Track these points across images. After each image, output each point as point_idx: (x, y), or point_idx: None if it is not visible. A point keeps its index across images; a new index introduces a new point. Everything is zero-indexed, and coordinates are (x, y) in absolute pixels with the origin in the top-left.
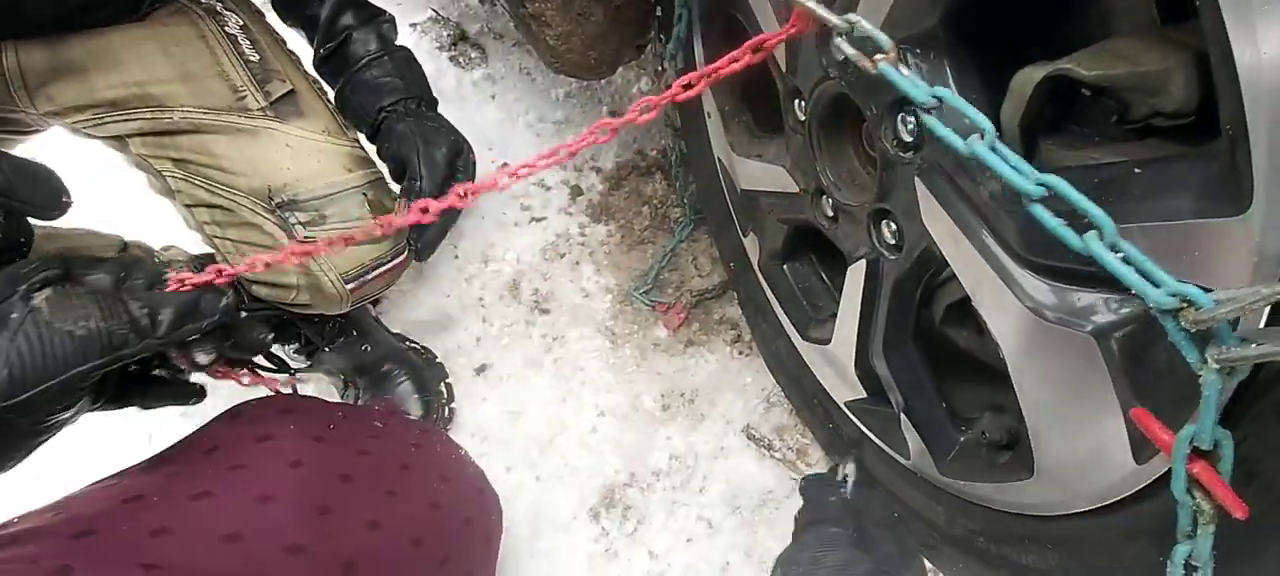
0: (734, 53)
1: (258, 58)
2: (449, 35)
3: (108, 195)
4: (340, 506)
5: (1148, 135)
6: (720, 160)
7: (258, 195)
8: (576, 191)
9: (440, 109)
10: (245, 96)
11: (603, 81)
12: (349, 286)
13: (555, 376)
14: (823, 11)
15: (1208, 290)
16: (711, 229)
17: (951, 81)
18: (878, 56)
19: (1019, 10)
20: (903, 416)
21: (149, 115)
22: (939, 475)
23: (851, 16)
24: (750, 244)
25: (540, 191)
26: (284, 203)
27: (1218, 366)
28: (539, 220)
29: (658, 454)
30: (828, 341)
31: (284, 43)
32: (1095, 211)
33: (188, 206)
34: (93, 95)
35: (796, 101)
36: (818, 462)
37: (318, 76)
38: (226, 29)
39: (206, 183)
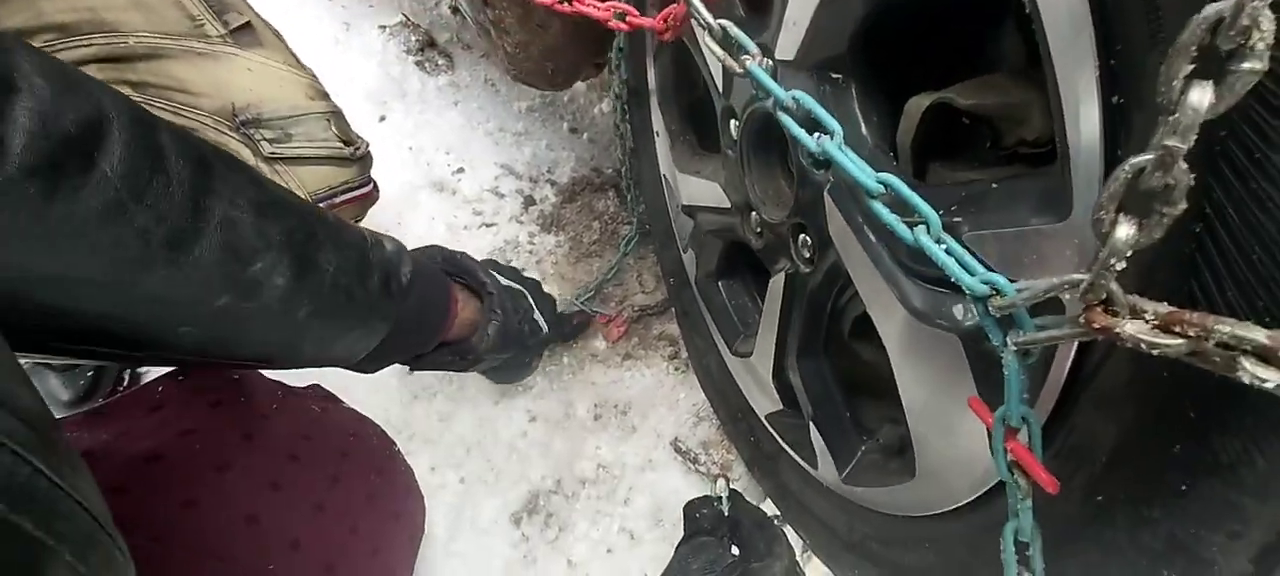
0: (598, 8)
1: None
2: (417, 41)
3: None
4: (288, 484)
5: (1016, 160)
6: (665, 177)
7: (221, 114)
8: (529, 201)
9: (402, 111)
10: (203, 24)
11: (565, 97)
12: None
13: (492, 382)
14: (700, 8)
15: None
16: (655, 245)
17: (856, 102)
18: (744, 58)
19: (916, 43)
20: (812, 427)
21: (103, 40)
22: (841, 483)
23: (723, 21)
24: (689, 260)
25: (493, 198)
26: (248, 121)
27: (1015, 349)
28: (489, 226)
29: (585, 462)
30: (751, 354)
31: None
32: (923, 207)
33: None
34: (41, 18)
35: (731, 121)
36: (740, 478)
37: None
38: None
39: (169, 104)
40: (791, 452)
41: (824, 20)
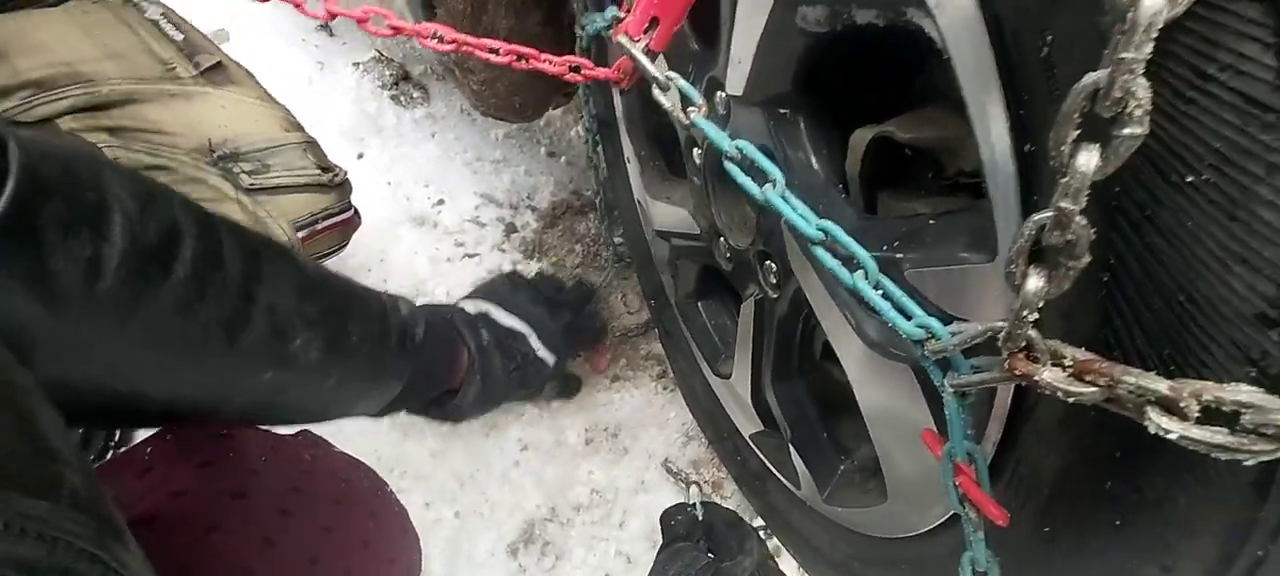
0: (553, 63)
1: (182, 36)
2: (392, 75)
3: None
4: (282, 539)
5: (958, 190)
6: (639, 202)
7: (199, 152)
8: (511, 228)
9: (379, 146)
10: (175, 67)
11: (541, 121)
12: (300, 233)
13: (484, 416)
14: (646, 64)
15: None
16: (635, 268)
17: (805, 135)
18: (690, 109)
19: (860, 77)
20: (791, 448)
21: (79, 91)
22: (822, 503)
23: (671, 73)
24: (668, 282)
25: (474, 228)
26: (226, 155)
27: (952, 390)
28: (472, 256)
29: (579, 488)
30: (731, 375)
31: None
32: (860, 254)
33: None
34: (17, 77)
35: (693, 149)
36: (732, 495)
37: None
38: (146, 14)
39: (145, 147)
40: (776, 472)
41: (766, 58)
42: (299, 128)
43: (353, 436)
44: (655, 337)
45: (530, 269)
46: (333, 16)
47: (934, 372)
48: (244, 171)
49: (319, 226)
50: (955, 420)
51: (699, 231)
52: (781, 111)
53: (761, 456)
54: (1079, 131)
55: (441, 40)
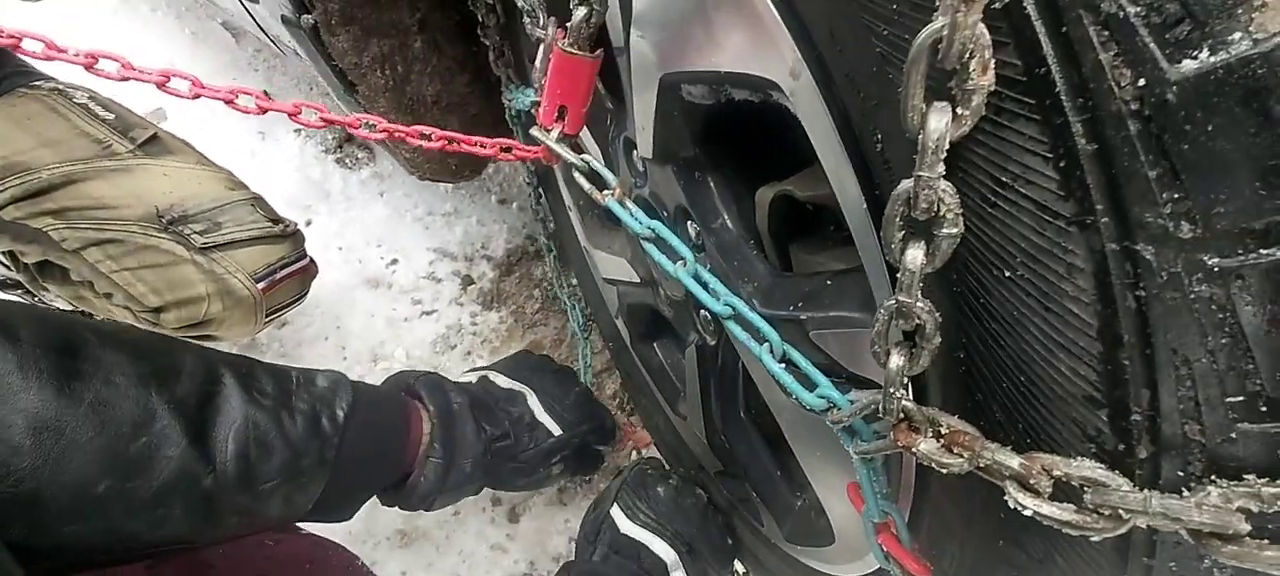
0: (485, 146)
1: (113, 116)
2: (334, 138)
3: None
4: None
5: None
6: (585, 249)
7: (147, 220)
8: (468, 281)
9: (327, 211)
10: (110, 145)
11: (491, 169)
12: (259, 285)
13: None
14: (563, 152)
15: (864, 386)
16: (591, 312)
17: (715, 194)
18: (604, 193)
19: (759, 139)
20: (748, 486)
21: (16, 182)
22: (784, 540)
23: (587, 156)
24: (621, 326)
25: (430, 284)
26: (175, 219)
27: (858, 456)
28: (430, 313)
29: (557, 538)
30: (687, 416)
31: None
32: (766, 330)
33: (75, 251)
34: None
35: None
36: None
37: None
38: (75, 100)
39: (91, 223)
40: (741, 509)
41: (665, 126)
42: (243, 186)
43: None
44: (618, 378)
45: (490, 320)
46: (264, 111)
47: (844, 439)
48: (195, 232)
49: (278, 276)
50: (867, 483)
51: (639, 279)
52: (692, 172)
53: (725, 494)
54: (904, 231)
55: (373, 129)
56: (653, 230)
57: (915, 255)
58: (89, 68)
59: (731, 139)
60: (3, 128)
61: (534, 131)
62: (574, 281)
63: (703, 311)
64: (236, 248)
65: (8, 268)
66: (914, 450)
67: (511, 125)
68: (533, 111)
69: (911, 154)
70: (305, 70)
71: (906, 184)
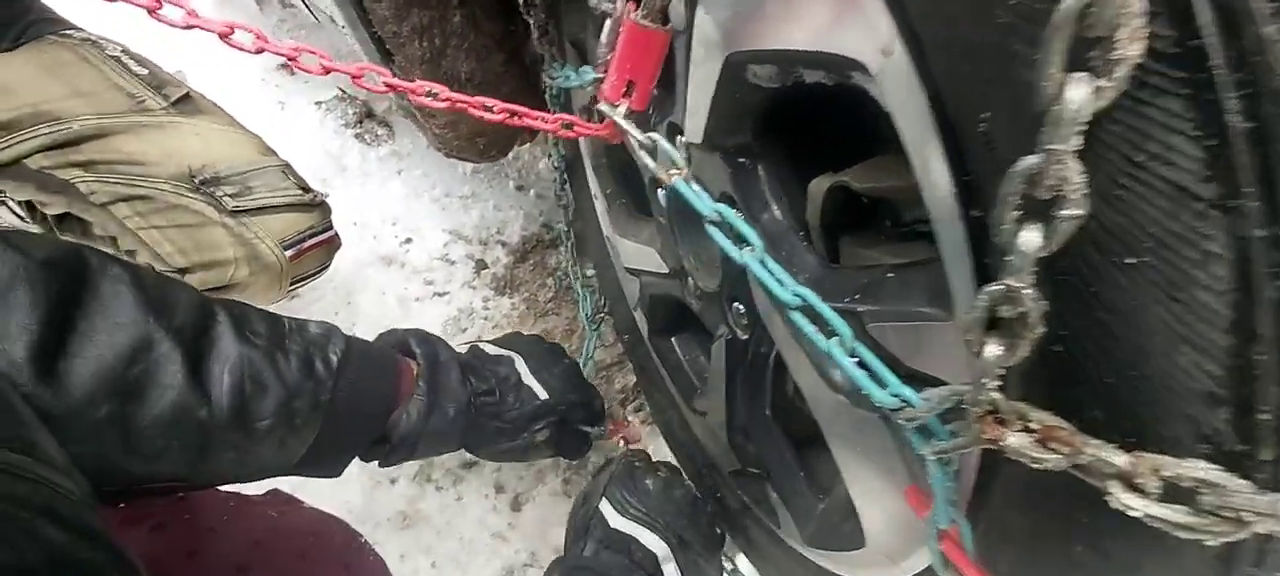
0: (546, 121)
1: (146, 71)
2: (355, 113)
3: None
4: None
5: (915, 237)
6: (608, 239)
7: (179, 178)
8: (481, 265)
9: (344, 186)
10: (144, 100)
11: (510, 155)
12: (288, 252)
13: (455, 457)
14: (629, 128)
15: (939, 383)
16: (608, 303)
17: (765, 183)
18: (672, 172)
19: (816, 127)
20: (769, 486)
21: (47, 130)
22: (804, 543)
23: (654, 135)
24: (640, 319)
25: (444, 266)
26: (207, 180)
27: (933, 457)
28: (442, 294)
29: (558, 530)
30: (707, 412)
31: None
32: (836, 321)
33: (103, 205)
34: None
35: (658, 189)
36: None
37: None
38: (108, 52)
39: (121, 178)
40: (757, 510)
41: (721, 110)
42: (274, 152)
43: (323, 491)
44: (629, 371)
45: (502, 306)
46: (328, 71)
47: (915, 440)
48: (227, 194)
49: (306, 244)
50: (939, 487)
51: (667, 270)
52: (741, 160)
53: (740, 494)
54: (1020, 212)
55: (435, 98)
56: (719, 213)
57: (1031, 237)
58: (152, 13)
59: (787, 127)
60: (32, 74)
61: (601, 107)
62: (589, 271)
63: (737, 304)
64: (267, 213)
65: (24, 220)
66: (1002, 444)
67: (551, 105)
68: (585, 90)
69: (1030, 132)
70: (332, 40)
71: (1030, 161)
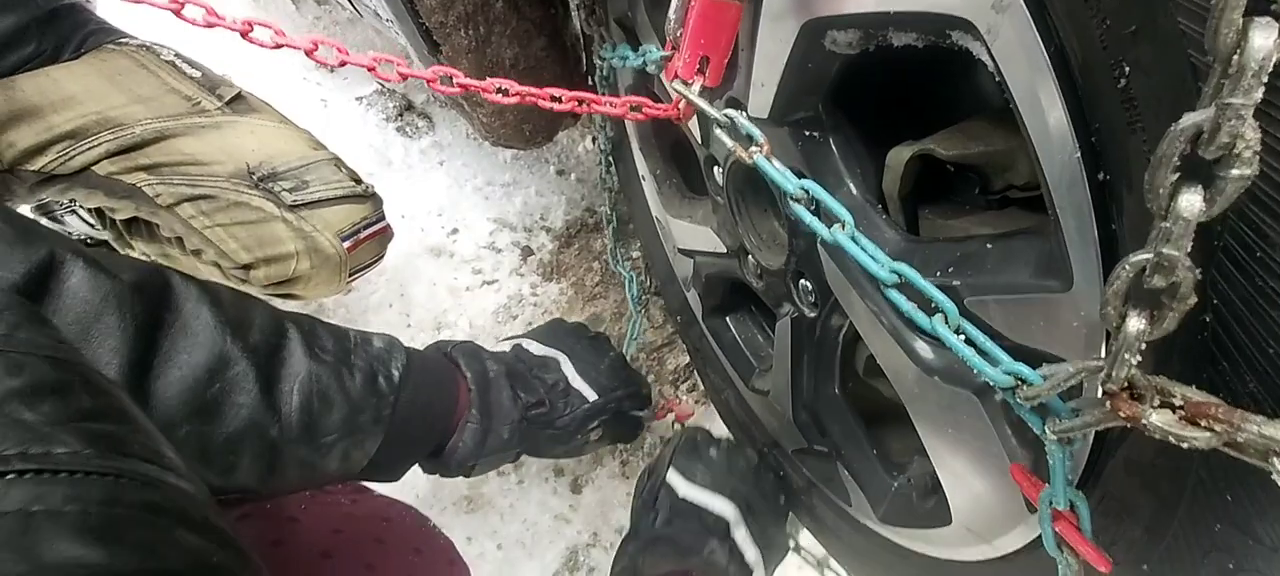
0: (614, 105)
1: (199, 73)
2: (395, 107)
3: None
4: None
5: (1007, 205)
6: (658, 220)
7: (238, 177)
8: (527, 252)
9: (388, 178)
10: (200, 102)
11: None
12: (345, 244)
13: None
14: (705, 106)
15: (1056, 360)
16: (657, 284)
17: (837, 156)
18: (752, 149)
19: (892, 95)
20: (839, 464)
21: (110, 136)
22: (877, 521)
23: (731, 111)
24: (693, 299)
25: (491, 254)
26: (265, 176)
27: (1055, 437)
28: (490, 283)
29: (619, 511)
30: (769, 392)
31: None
32: (940, 297)
33: (168, 207)
34: (51, 131)
35: (715, 168)
36: None
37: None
38: (163, 58)
39: (184, 179)
40: (824, 487)
41: (792, 81)
42: (324, 146)
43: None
44: (681, 351)
45: (550, 291)
46: (343, 64)
47: (1031, 419)
48: (285, 190)
49: (361, 235)
50: (1059, 468)
51: (725, 249)
52: (810, 133)
53: (805, 471)
54: (1178, 173)
55: (506, 94)
56: (806, 190)
57: (1192, 201)
58: (177, 13)
59: (860, 95)
60: (95, 83)
61: (676, 85)
62: (635, 254)
63: (803, 282)
64: (323, 206)
65: (93, 227)
66: (1144, 423)
67: (599, 86)
68: (649, 68)
69: (1186, 87)
70: (367, 37)
71: (1195, 117)
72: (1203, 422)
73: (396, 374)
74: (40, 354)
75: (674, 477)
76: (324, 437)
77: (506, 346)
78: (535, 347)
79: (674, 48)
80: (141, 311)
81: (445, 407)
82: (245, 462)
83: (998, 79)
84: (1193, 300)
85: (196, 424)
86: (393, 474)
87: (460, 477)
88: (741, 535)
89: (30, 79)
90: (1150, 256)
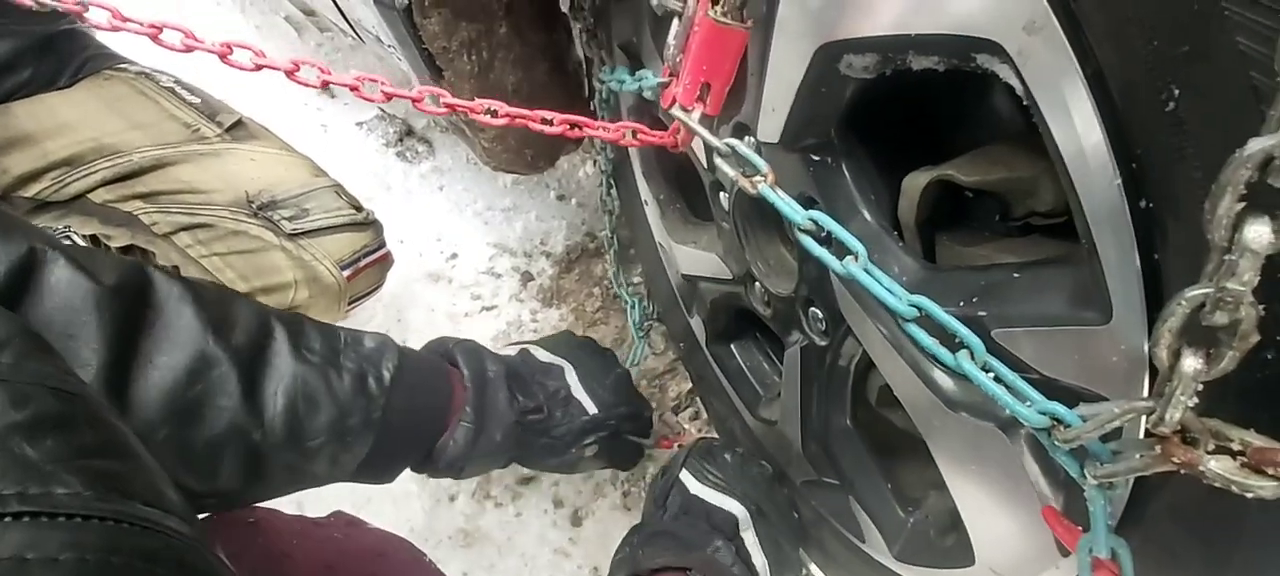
0: (608, 130)
1: (199, 100)
2: (395, 132)
3: None
4: None
5: (1030, 232)
6: (661, 246)
7: (237, 205)
8: (527, 277)
9: (387, 203)
10: (199, 129)
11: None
12: (344, 272)
13: (512, 472)
14: (705, 133)
15: (1091, 396)
16: (658, 310)
17: (851, 182)
18: (756, 179)
19: (908, 119)
20: (850, 498)
21: (107, 164)
22: (893, 559)
23: (731, 140)
24: (696, 325)
25: (490, 280)
26: (264, 204)
27: (1096, 483)
28: (490, 308)
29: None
30: (776, 421)
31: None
32: (966, 333)
33: (165, 235)
34: (46, 158)
35: (720, 193)
36: None
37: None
38: (162, 84)
39: (181, 208)
40: (835, 521)
41: (805, 107)
42: (325, 173)
43: (384, 510)
44: (683, 378)
45: (550, 317)
46: (325, 84)
47: (1068, 463)
48: (284, 218)
49: (361, 263)
50: (1100, 515)
51: (731, 276)
52: (821, 158)
53: (815, 504)
54: (1244, 203)
55: (495, 115)
56: (814, 220)
57: (1260, 232)
58: (154, 39)
59: (874, 121)
60: (92, 109)
61: (675, 111)
62: (636, 279)
63: (814, 310)
64: (323, 234)
65: None
66: (1201, 470)
67: (599, 110)
68: (647, 92)
69: (1245, 110)
70: (369, 63)
71: (1262, 142)
72: (1271, 470)
73: (387, 375)
74: (46, 385)
75: (686, 475)
76: (310, 441)
77: (513, 350)
78: (541, 354)
79: (673, 73)
80: (122, 310)
81: (439, 408)
82: (227, 467)
83: (1027, 103)
84: (1255, 338)
85: (176, 426)
86: (384, 476)
87: (454, 503)
88: (750, 538)
89: (26, 105)
90: (1210, 291)
